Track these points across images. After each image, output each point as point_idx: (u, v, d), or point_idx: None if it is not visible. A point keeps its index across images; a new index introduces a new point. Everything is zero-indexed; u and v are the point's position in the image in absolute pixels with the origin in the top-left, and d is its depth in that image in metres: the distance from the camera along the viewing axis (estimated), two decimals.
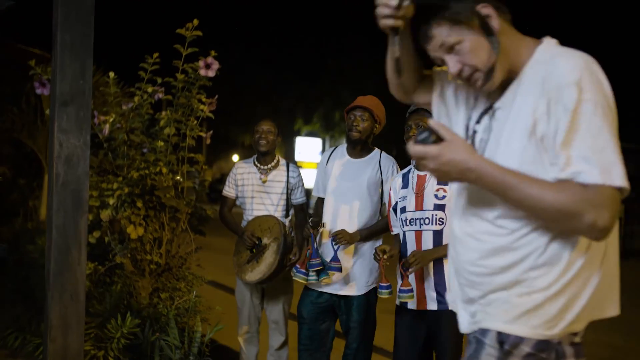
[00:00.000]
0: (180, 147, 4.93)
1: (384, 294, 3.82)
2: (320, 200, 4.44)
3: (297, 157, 32.34)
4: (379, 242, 4.27)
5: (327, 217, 4.28)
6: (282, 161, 4.82)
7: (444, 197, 3.64)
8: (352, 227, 4.16)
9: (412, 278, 3.68)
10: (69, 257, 3.19)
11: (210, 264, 5.96)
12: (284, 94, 33.57)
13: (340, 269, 4.05)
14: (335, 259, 4.05)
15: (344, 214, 4.21)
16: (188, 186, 5.00)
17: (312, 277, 4.11)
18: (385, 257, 3.72)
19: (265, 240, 4.47)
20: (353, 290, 4.17)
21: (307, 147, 33.03)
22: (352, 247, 4.17)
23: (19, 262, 7.24)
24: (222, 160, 42.38)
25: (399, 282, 3.65)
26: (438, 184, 3.67)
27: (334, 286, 4.17)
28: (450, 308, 3.59)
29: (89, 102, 3.22)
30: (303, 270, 4.13)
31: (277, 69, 33.57)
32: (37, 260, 6.68)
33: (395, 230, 3.91)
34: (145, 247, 4.62)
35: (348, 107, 4.29)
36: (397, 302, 3.72)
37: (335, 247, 4.08)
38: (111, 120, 4.66)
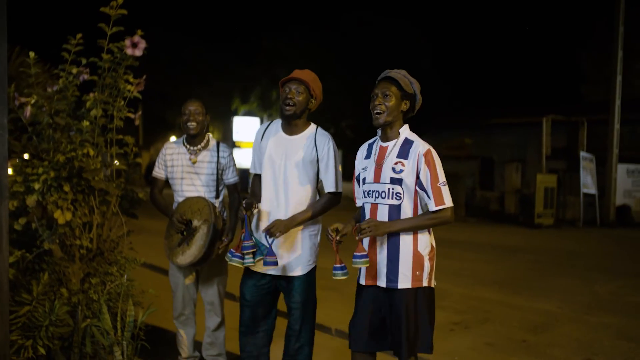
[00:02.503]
0: (108, 129, 4.82)
1: (338, 276, 3.60)
2: (257, 177, 4.29)
3: (235, 137, 32.04)
4: (319, 223, 4.25)
5: (264, 197, 4.17)
6: (213, 141, 4.74)
7: (401, 171, 3.50)
8: (288, 208, 4.07)
9: (366, 246, 3.58)
10: None
11: (145, 246, 5.87)
12: (221, 75, 33.24)
13: (276, 263, 3.91)
14: (270, 253, 3.90)
15: (280, 194, 4.11)
16: (119, 168, 4.90)
17: (248, 259, 3.97)
18: (337, 237, 3.55)
19: (195, 223, 4.41)
20: (294, 270, 4.11)
21: (245, 127, 32.71)
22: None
23: None
24: (159, 142, 41.60)
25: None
26: (397, 156, 3.54)
27: (272, 270, 4.08)
28: (399, 287, 3.53)
29: (4, 84, 3.08)
30: (238, 254, 3.96)
31: (213, 50, 33.16)
32: None
33: (358, 202, 3.79)
34: (74, 232, 4.51)
35: (283, 79, 4.10)
36: (353, 266, 3.56)
37: (270, 240, 3.95)
38: (32, 102, 4.51)
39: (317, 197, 4.20)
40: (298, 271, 4.11)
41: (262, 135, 4.27)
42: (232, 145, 29.76)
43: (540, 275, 9.99)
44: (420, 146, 3.55)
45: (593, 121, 19.84)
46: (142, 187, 5.42)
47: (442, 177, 3.52)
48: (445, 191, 3.51)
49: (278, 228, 3.94)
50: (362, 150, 3.80)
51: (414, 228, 3.53)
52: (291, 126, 4.16)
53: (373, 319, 3.66)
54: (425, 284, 3.60)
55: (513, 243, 14.19)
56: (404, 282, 3.54)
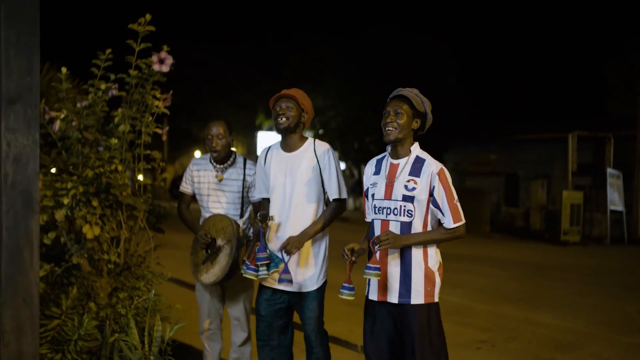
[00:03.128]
0: (136, 144, 4.86)
1: (345, 295, 3.61)
2: (266, 201, 4.37)
3: (259, 152, 32.24)
4: (327, 235, 4.27)
5: (272, 214, 4.24)
6: (239, 158, 4.75)
7: (413, 188, 3.54)
8: (299, 223, 4.12)
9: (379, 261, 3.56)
10: (20, 259, 3.09)
11: (171, 261, 5.89)
12: (245, 89, 33.45)
13: (291, 281, 3.98)
14: (286, 271, 3.98)
15: (287, 210, 4.17)
16: (146, 183, 4.93)
17: (262, 271, 4.03)
18: (353, 258, 3.57)
19: (219, 242, 4.42)
20: (305, 286, 4.15)
21: (269, 142, 32.91)
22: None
23: None
24: (184, 156, 41.98)
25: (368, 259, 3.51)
26: (410, 174, 3.58)
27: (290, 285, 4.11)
28: (412, 302, 3.53)
29: (36, 100, 3.12)
30: (253, 267, 4.02)
31: (238, 65, 33.43)
32: None
33: (368, 217, 3.81)
34: (102, 247, 4.55)
35: (272, 99, 4.21)
36: (364, 276, 3.54)
37: (287, 258, 4.00)
38: (62, 116, 4.56)
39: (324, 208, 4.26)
40: (310, 287, 4.15)
41: (265, 158, 4.37)
42: (256, 160, 29.86)
43: (567, 293, 9.88)
44: (433, 165, 3.60)
45: (620, 137, 19.60)
46: (167, 202, 5.45)
47: (455, 195, 3.58)
48: (460, 208, 3.58)
49: (293, 245, 4.01)
50: (371, 166, 3.84)
51: (430, 241, 3.58)
52: (289, 142, 4.25)
53: (390, 337, 3.66)
54: (436, 299, 3.62)
55: (539, 260, 14.06)
56: (417, 297, 3.55)
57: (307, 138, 4.30)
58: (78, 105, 4.76)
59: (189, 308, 5.06)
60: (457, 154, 25.82)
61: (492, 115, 27.53)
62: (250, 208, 4.75)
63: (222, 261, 4.38)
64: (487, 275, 11.23)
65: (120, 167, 4.51)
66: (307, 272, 4.15)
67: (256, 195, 4.46)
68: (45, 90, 6.13)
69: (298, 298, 4.17)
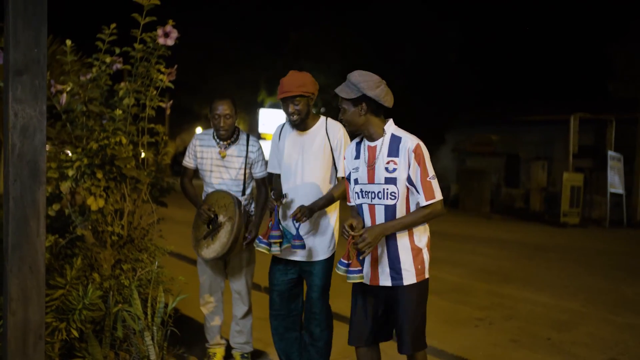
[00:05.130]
0: (140, 117, 4.88)
1: (353, 279, 3.43)
2: (277, 176, 4.49)
3: (261, 129, 32.15)
4: (336, 210, 4.37)
5: (285, 191, 4.35)
6: (242, 135, 4.76)
7: (394, 169, 3.48)
8: (309, 199, 4.23)
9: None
10: (27, 229, 3.13)
11: (173, 235, 5.93)
12: (248, 66, 33.29)
13: (304, 246, 4.12)
14: (297, 237, 4.11)
15: (299, 186, 4.29)
16: (149, 157, 4.95)
17: (275, 248, 4.18)
18: (353, 233, 3.44)
19: (221, 218, 4.50)
20: (317, 256, 4.29)
21: (271, 119, 32.81)
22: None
23: None
24: (185, 132, 41.92)
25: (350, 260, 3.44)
26: (388, 155, 3.52)
27: (299, 254, 4.27)
28: (405, 283, 3.55)
29: (44, 71, 3.14)
30: (265, 241, 4.16)
31: (240, 41, 33.24)
32: None
33: (352, 202, 3.75)
34: (106, 219, 4.58)
35: (279, 96, 4.23)
36: (347, 281, 3.46)
37: (297, 225, 4.11)
38: (68, 89, 4.58)
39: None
40: (320, 256, 4.31)
41: (279, 135, 4.48)
42: (258, 137, 29.86)
43: (565, 273, 9.95)
44: (409, 141, 3.51)
45: (621, 120, 19.55)
46: (168, 177, 5.48)
47: (431, 171, 3.49)
48: (435, 185, 3.49)
49: (304, 213, 4.10)
50: (351, 150, 3.76)
51: (407, 226, 3.52)
52: (301, 124, 4.33)
53: (375, 316, 3.67)
54: (426, 275, 3.61)
55: (538, 241, 14.12)
56: (409, 278, 3.54)
57: (319, 116, 4.38)
58: (82, 78, 4.77)
59: (191, 281, 5.11)
60: (459, 134, 25.76)
61: (495, 96, 27.44)
62: (252, 184, 4.78)
63: (223, 238, 4.44)
64: (486, 255, 11.30)
65: (124, 140, 4.54)
66: (317, 241, 4.30)
67: (269, 169, 4.52)
68: (49, 63, 6.13)
69: (308, 267, 4.32)
